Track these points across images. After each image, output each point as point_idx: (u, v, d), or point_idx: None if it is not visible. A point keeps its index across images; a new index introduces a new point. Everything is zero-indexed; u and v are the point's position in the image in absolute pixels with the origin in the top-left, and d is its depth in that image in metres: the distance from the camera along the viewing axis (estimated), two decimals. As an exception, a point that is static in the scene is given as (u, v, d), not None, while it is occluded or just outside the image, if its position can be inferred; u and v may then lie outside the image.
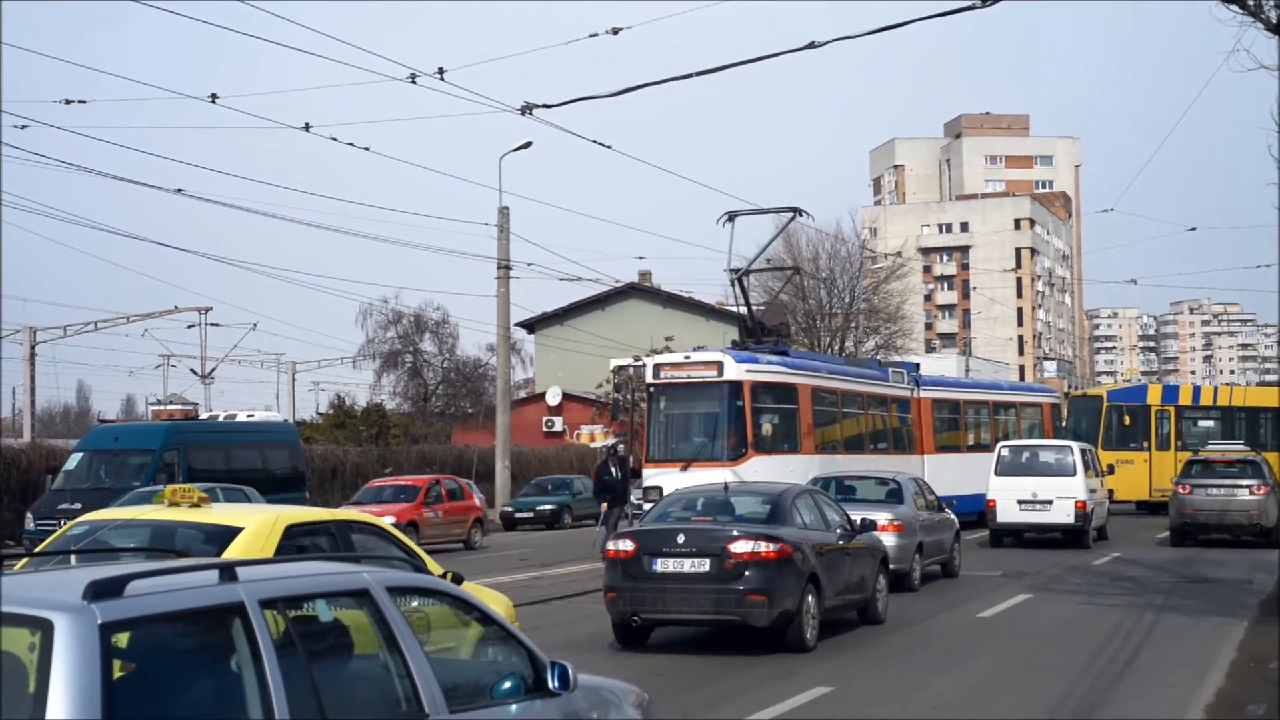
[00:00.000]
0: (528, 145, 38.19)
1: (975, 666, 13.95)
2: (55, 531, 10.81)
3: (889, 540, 19.20)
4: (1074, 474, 28.69)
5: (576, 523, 41.73)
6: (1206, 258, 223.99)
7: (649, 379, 26.55)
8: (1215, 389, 46.24)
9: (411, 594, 5.74)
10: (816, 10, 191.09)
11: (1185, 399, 42.60)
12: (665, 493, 19.88)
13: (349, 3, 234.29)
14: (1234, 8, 16.11)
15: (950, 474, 32.59)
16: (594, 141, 27.83)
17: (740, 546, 14.36)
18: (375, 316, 68.91)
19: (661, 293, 57.09)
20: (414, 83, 22.55)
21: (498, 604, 10.10)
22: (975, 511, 30.96)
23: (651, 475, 25.07)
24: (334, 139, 28.82)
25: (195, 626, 4.64)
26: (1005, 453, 29.93)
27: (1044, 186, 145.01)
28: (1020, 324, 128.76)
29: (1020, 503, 28.76)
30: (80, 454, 28.61)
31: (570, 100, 21.64)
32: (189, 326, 58.28)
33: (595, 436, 56.82)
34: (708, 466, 23.93)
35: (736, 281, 29.69)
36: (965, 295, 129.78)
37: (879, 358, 45.11)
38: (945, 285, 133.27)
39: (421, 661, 5.26)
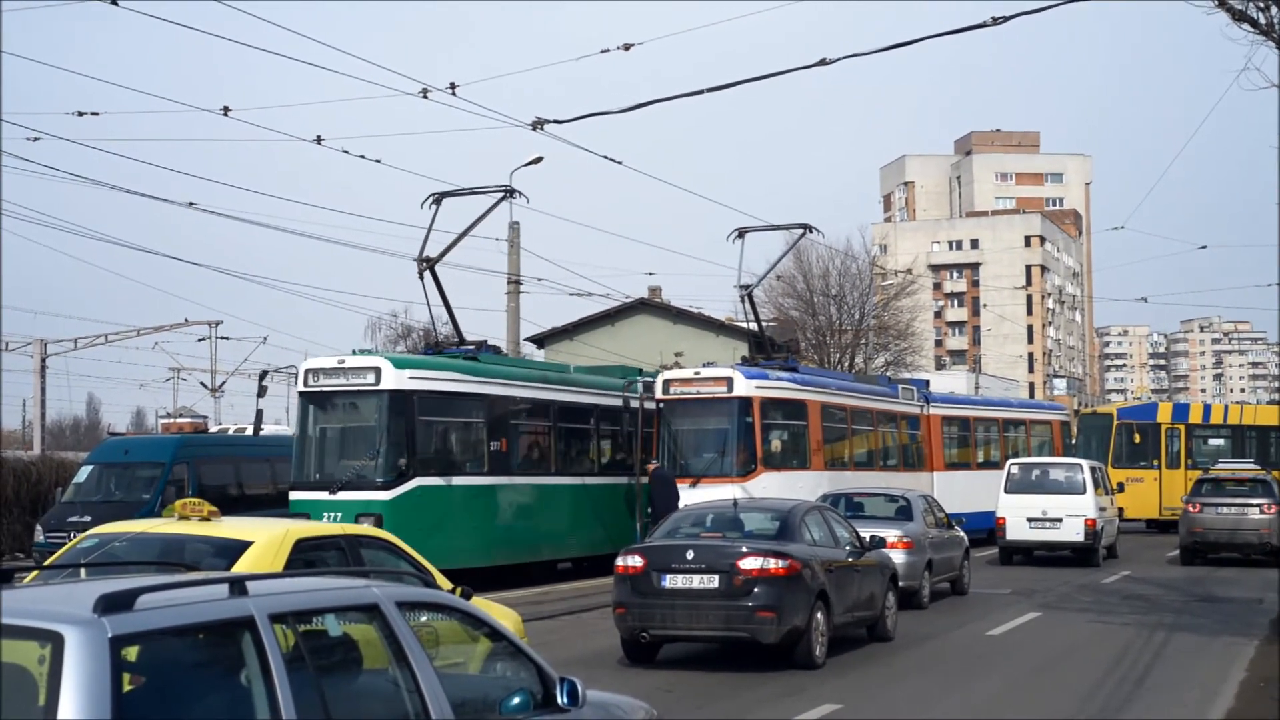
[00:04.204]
0: (538, 160, 38.17)
1: (985, 685, 13.93)
2: (65, 544, 10.82)
3: (898, 557, 19.19)
4: (1084, 492, 28.64)
5: None
6: (1217, 276, 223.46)
7: (658, 395, 26.52)
8: (1225, 407, 46.19)
9: (421, 609, 5.74)
10: (828, 28, 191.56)
11: (1195, 417, 42.51)
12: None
13: (361, 18, 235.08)
14: (1245, 26, 16.12)
15: (960, 491, 32.54)
16: (605, 157, 27.79)
17: (749, 563, 14.35)
18: (384, 330, 68.88)
19: (671, 308, 57.01)
20: (425, 97, 22.57)
21: (507, 619, 10.09)
22: (985, 529, 30.90)
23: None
24: (345, 152, 28.81)
25: (205, 640, 4.65)
26: (1015, 470, 29.89)
27: (1054, 204, 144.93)
28: (1030, 341, 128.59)
29: (1030, 520, 28.71)
30: (90, 467, 28.61)
31: (581, 116, 21.59)
32: (199, 340, 58.31)
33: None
34: (717, 483, 23.91)
35: (746, 297, 29.70)
36: (975, 312, 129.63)
37: (888, 374, 45.06)
38: (955, 302, 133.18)
39: (430, 676, 5.26)
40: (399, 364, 22.80)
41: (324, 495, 21.92)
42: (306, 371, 23.28)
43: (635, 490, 26.59)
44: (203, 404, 61.17)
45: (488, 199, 26.39)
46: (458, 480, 23.15)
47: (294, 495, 22.52)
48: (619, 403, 27.58)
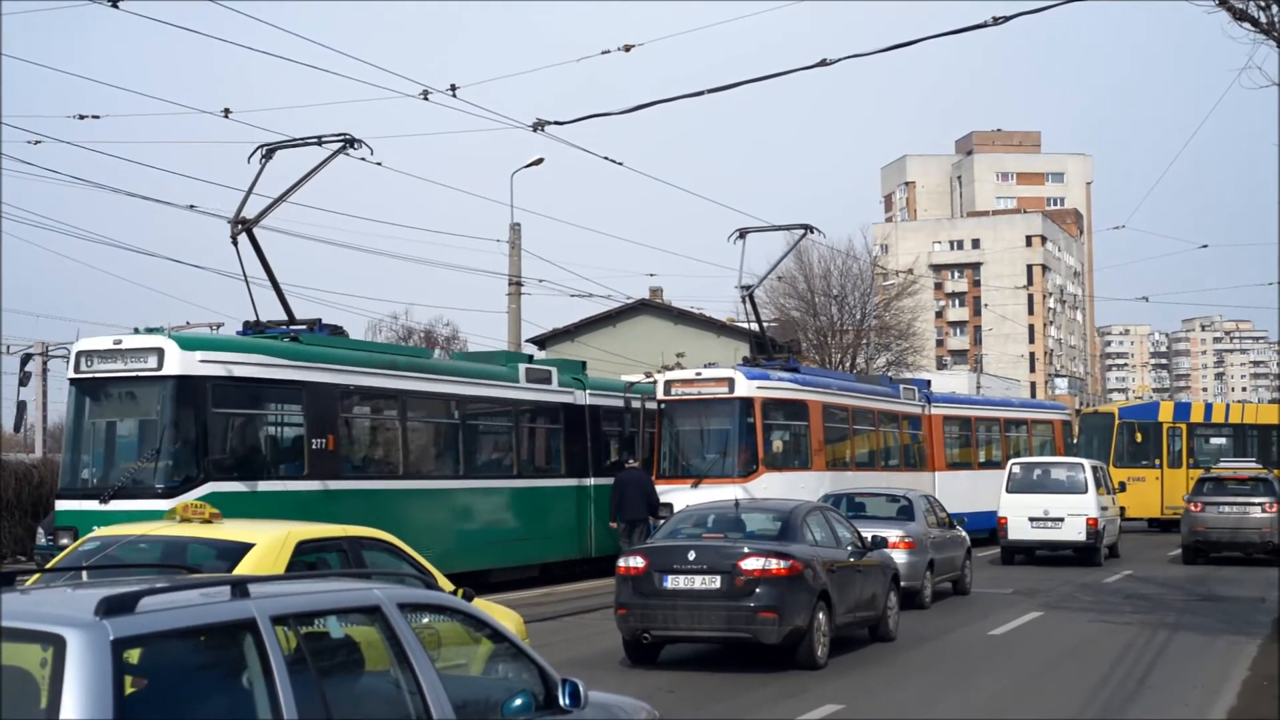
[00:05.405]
0: (539, 162, 38.19)
1: (987, 685, 13.93)
2: (67, 547, 10.82)
3: (900, 557, 19.18)
4: (1085, 491, 28.63)
5: None
6: (1218, 275, 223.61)
7: (660, 395, 26.52)
8: (1227, 406, 46.18)
9: (423, 610, 5.74)
10: (828, 28, 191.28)
11: (1197, 416, 42.52)
12: (676, 510, 19.87)
13: (362, 19, 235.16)
14: (1246, 25, 16.12)
15: (961, 491, 32.54)
16: (605, 158, 27.78)
17: (751, 563, 14.35)
18: (385, 332, 68.84)
19: (672, 309, 56.99)
20: (426, 99, 22.57)
21: (508, 620, 10.10)
22: (986, 529, 30.89)
23: (663, 492, 24.99)
24: (346, 154, 28.76)
25: (207, 643, 4.65)
26: (1016, 470, 29.88)
27: (1055, 203, 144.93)
28: (1031, 341, 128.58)
29: (1031, 520, 28.70)
30: (92, 469, 28.59)
31: (582, 117, 21.60)
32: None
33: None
34: (719, 483, 23.91)
35: (748, 298, 29.68)
36: (976, 312, 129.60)
37: (890, 374, 45.05)
38: (956, 302, 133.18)
39: (432, 678, 5.26)
40: (187, 344, 18.95)
41: (94, 505, 18.19)
42: (78, 354, 19.29)
43: (525, 494, 25.03)
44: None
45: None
46: (266, 486, 19.30)
47: (60, 504, 18.95)
48: (497, 393, 24.63)
